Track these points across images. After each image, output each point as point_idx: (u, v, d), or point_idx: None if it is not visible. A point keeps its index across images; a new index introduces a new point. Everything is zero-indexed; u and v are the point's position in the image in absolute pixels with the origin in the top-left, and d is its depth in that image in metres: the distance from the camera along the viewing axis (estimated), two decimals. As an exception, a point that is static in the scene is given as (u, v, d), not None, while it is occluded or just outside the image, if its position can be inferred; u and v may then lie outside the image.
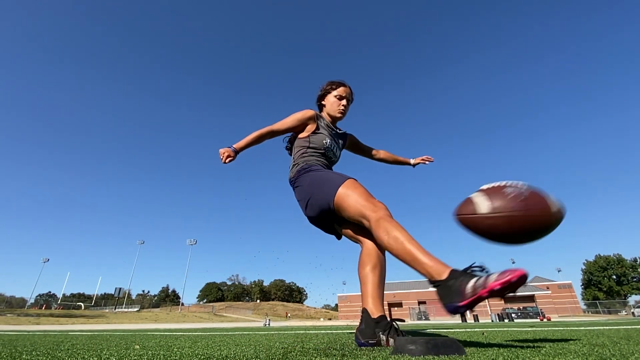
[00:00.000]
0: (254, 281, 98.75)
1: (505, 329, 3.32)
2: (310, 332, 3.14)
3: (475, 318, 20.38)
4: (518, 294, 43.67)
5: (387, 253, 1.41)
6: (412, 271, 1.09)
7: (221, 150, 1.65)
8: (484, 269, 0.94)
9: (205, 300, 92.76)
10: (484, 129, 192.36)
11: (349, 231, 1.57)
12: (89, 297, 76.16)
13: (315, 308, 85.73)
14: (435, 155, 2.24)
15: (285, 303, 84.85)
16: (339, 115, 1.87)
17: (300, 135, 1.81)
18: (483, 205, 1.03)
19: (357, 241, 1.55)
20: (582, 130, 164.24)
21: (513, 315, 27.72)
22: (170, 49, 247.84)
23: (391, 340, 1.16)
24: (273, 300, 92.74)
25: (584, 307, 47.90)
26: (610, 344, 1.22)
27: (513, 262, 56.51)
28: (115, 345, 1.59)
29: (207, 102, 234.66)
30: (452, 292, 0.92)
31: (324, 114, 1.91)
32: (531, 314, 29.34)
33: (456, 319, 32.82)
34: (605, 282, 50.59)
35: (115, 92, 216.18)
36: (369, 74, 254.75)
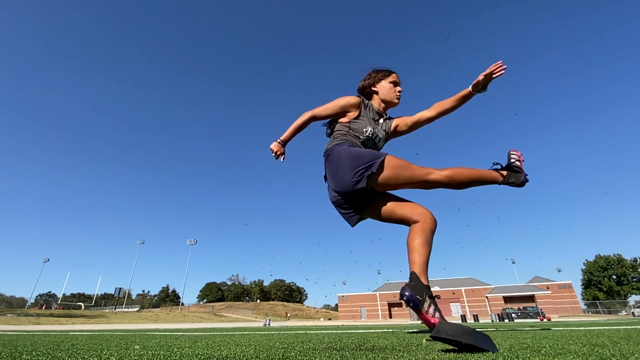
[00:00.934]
0: (254, 281, 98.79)
1: (505, 329, 3.32)
2: (310, 332, 3.14)
3: (475, 318, 20.36)
4: (518, 294, 43.72)
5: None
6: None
7: (272, 147, 1.63)
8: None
9: (205, 300, 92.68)
10: (484, 129, 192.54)
11: (389, 208, 1.48)
12: (89, 297, 76.10)
13: (315, 308, 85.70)
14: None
15: (285, 303, 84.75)
16: (397, 101, 1.84)
17: (341, 120, 1.73)
18: None
19: (397, 219, 1.46)
20: (582, 130, 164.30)
21: (513, 315, 27.70)
22: (170, 49, 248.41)
23: (432, 310, 1.14)
24: (273, 300, 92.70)
25: (584, 307, 47.87)
26: (610, 344, 1.22)
27: (513, 262, 56.75)
28: (115, 345, 1.60)
29: (207, 102, 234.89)
30: (516, 175, 1.46)
31: (374, 101, 1.85)
32: (531, 314, 29.28)
33: (456, 319, 32.76)
34: (606, 282, 50.54)
35: (116, 92, 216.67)
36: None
